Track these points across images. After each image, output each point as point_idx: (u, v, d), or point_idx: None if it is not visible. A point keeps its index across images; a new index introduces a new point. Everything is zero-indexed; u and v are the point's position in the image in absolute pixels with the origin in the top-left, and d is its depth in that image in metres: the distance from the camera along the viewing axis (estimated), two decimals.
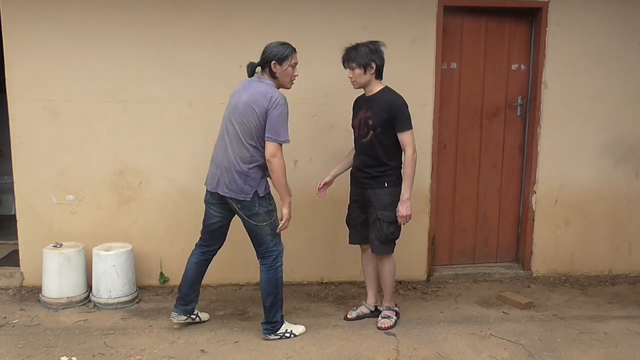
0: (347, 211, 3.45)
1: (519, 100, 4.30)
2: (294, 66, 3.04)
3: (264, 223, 3.03)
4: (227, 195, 3.01)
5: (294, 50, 3.04)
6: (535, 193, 4.29)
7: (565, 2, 4.11)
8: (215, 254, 3.28)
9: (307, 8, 3.87)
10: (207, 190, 3.14)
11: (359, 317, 3.44)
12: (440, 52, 4.02)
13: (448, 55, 4.12)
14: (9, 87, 3.73)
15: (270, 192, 3.07)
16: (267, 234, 3.06)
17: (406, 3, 3.95)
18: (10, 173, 3.90)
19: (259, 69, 3.07)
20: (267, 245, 3.09)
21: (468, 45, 4.17)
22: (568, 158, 4.29)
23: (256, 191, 2.98)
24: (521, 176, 4.40)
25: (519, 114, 4.32)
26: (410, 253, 4.19)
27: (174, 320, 3.26)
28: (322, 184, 3.42)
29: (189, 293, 3.25)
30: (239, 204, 3.01)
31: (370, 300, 3.51)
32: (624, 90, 4.28)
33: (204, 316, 3.42)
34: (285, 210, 3.03)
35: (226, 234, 3.25)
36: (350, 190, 3.41)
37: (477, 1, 4.04)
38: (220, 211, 3.12)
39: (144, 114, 3.84)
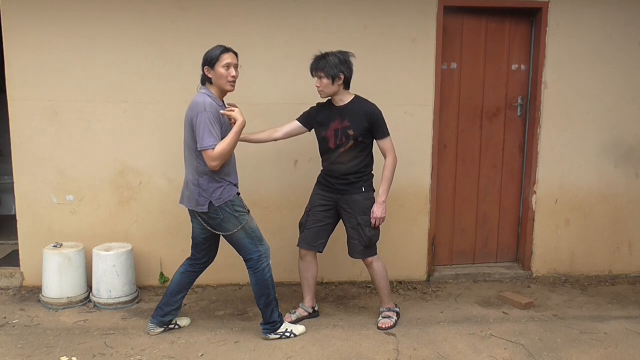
0: (304, 214, 3.41)
1: (519, 100, 4.30)
2: (227, 67, 2.88)
3: (235, 230, 2.99)
4: (189, 208, 3.02)
5: (224, 50, 2.90)
6: (535, 193, 4.29)
7: (565, 2, 4.11)
8: (204, 268, 3.24)
9: (307, 8, 3.87)
10: None
11: (298, 320, 3.41)
12: (440, 52, 4.02)
13: (448, 55, 4.12)
14: (9, 87, 3.73)
15: (232, 198, 2.97)
16: (242, 238, 3.03)
17: (406, 3, 3.95)
18: (10, 173, 3.91)
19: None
20: (246, 249, 3.05)
21: (468, 45, 4.17)
22: (568, 158, 4.29)
23: (210, 202, 2.92)
24: (521, 176, 4.40)
25: (519, 114, 4.32)
26: (410, 253, 4.20)
27: (151, 333, 3.20)
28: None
29: (168, 303, 3.19)
30: (204, 216, 2.97)
31: (308, 303, 3.50)
32: (624, 91, 4.28)
33: (183, 322, 3.34)
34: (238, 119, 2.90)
35: (215, 248, 3.22)
36: (317, 194, 3.37)
37: (477, 1, 4.04)
38: (199, 224, 3.07)
39: (144, 114, 3.85)
